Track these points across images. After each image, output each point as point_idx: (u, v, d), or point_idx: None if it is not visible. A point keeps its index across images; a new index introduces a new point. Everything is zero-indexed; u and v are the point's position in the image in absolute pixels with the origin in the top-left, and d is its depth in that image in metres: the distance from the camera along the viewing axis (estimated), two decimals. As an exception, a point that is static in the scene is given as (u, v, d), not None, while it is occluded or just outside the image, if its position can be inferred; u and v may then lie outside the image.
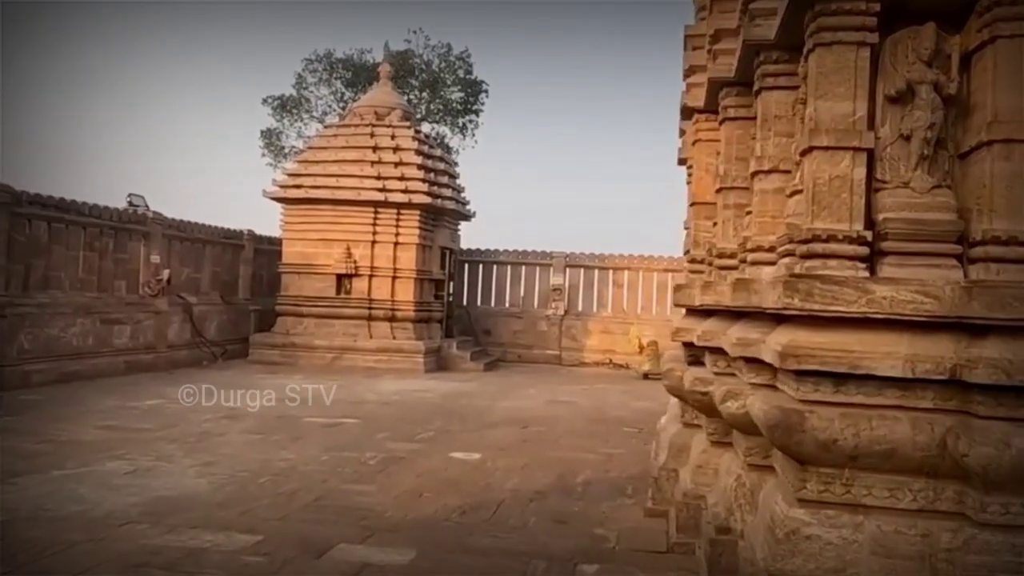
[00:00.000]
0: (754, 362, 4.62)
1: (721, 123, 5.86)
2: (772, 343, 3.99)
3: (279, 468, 7.58)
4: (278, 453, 8.30)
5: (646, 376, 17.99)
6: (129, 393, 12.22)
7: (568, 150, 59.16)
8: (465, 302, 22.16)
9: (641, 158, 60.98)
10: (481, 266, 22.55)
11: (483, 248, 22.59)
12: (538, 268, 22.12)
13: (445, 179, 19.28)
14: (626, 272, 21.56)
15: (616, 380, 17.57)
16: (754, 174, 5.00)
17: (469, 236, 21.20)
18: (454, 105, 29.68)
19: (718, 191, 5.86)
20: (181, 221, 17.46)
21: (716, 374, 5.60)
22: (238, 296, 19.66)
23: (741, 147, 5.63)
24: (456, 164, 21.43)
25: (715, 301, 5.50)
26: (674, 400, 8.58)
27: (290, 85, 29.18)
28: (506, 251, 22.43)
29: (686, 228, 8.74)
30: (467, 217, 20.44)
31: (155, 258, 16.20)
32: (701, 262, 6.53)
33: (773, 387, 4.41)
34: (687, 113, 6.74)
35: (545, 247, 22.25)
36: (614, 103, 60.69)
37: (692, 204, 6.70)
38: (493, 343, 21.48)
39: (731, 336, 4.93)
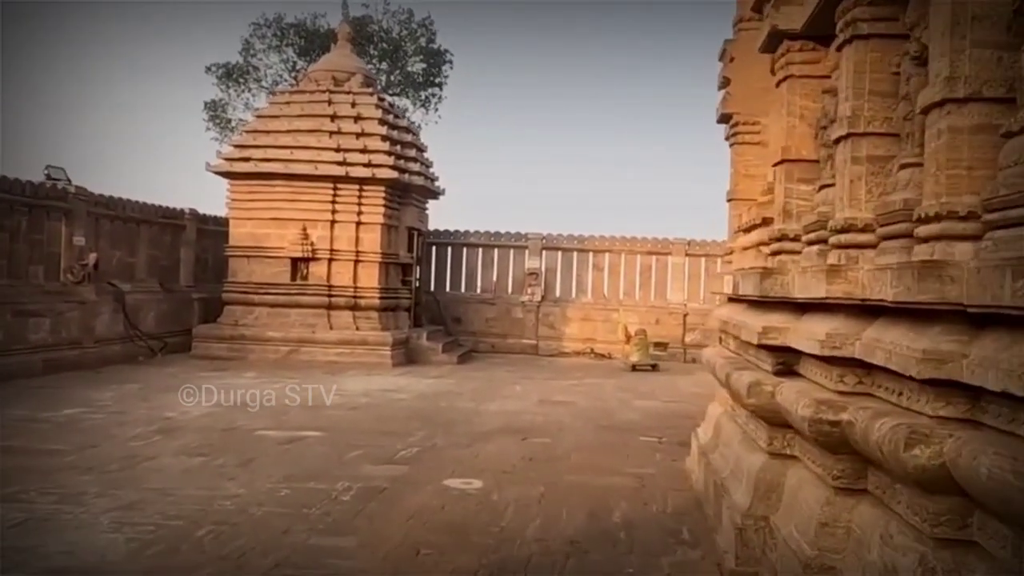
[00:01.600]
0: (953, 387, 3.04)
1: (840, 47, 4.23)
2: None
3: (224, 511, 5.77)
4: (223, 486, 6.48)
5: (634, 368, 16.52)
6: (44, 400, 10.17)
7: (543, 129, 57.31)
8: (433, 288, 20.35)
9: (623, 137, 59.50)
10: (450, 249, 20.75)
11: (452, 229, 20.77)
12: (512, 251, 20.42)
13: (412, 152, 17.39)
14: (607, 255, 20.01)
15: (604, 372, 16.03)
16: (929, 108, 3.38)
17: (435, 218, 19.36)
18: (416, 76, 27.65)
19: (836, 141, 4.24)
20: (110, 198, 15.26)
21: (842, 393, 4.02)
22: (179, 283, 17.54)
23: (880, 77, 4.01)
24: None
25: (847, 292, 3.89)
26: (716, 409, 7.03)
27: (236, 52, 26.81)
28: (477, 232, 20.66)
29: (729, 200, 7.16)
30: (436, 195, 18.58)
31: (79, 240, 14.01)
32: (794, 239, 4.92)
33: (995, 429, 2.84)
34: (771, 42, 5.09)
35: (520, 229, 20.55)
36: (593, 80, 58.86)
37: (778, 163, 5.07)
38: (464, 332, 19.75)
39: (900, 345, 3.32)
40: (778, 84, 5.05)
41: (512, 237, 20.43)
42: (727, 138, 7.28)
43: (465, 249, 20.70)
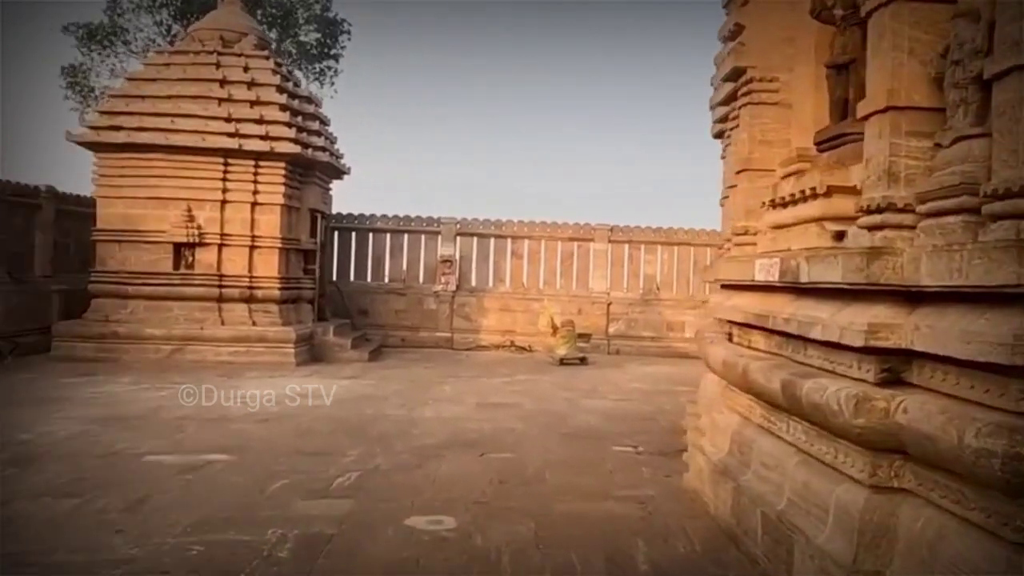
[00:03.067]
0: None
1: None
2: None
3: (115, 590, 4.12)
4: (108, 544, 4.78)
5: (562, 362, 15.45)
6: None
7: (453, 109, 55.05)
8: (336, 277, 18.51)
9: (534, 117, 58.10)
10: (354, 234, 18.94)
11: (356, 213, 18.97)
12: (424, 237, 18.87)
13: (315, 125, 15.51)
14: (527, 241, 18.82)
15: (531, 368, 14.85)
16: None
17: (337, 201, 17.53)
18: (309, 47, 25.42)
19: (1003, 74, 3.14)
20: (-57, 168, 12.53)
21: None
22: (34, 272, 14.92)
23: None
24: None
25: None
26: (730, 418, 5.92)
27: (101, 11, 23.64)
28: (385, 216, 18.96)
29: (740, 172, 6.07)
30: (341, 174, 16.77)
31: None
32: (905, 209, 3.80)
33: None
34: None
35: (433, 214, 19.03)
36: (511, 60, 57.18)
37: (876, 113, 3.93)
38: (371, 325, 18.06)
39: None
40: (871, 13, 3.92)
41: (424, 222, 18.88)
42: (737, 97, 6.19)
43: (372, 235, 18.95)
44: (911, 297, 3.73)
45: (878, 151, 3.89)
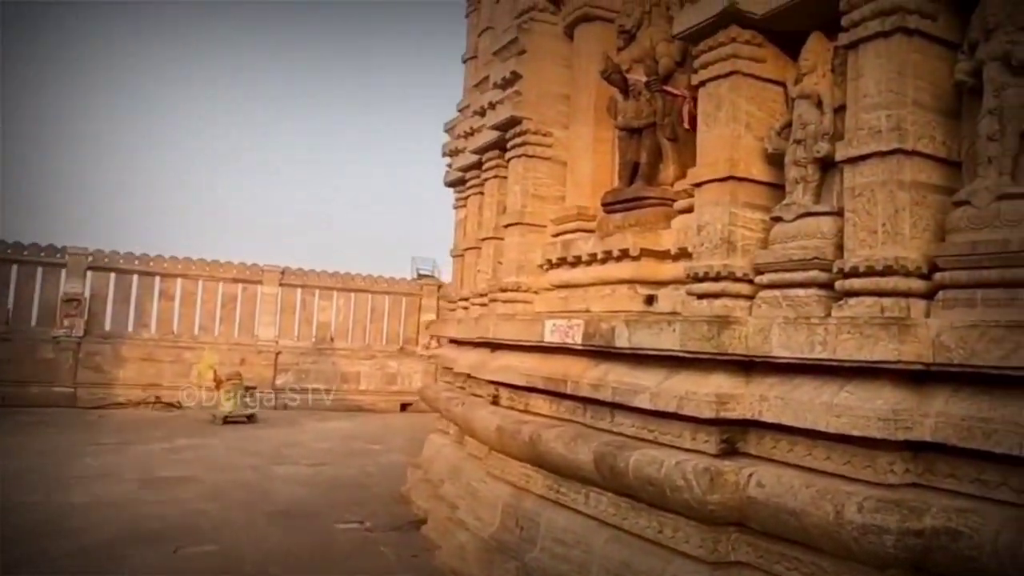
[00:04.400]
0: None
1: (855, 44, 3.30)
2: None
3: None
4: None
5: (227, 420, 13.63)
6: None
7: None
8: (-93, 315, 14.07)
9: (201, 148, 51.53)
10: (-63, 261, 14.69)
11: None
12: (41, 269, 15.40)
13: None
14: (180, 280, 16.46)
15: (191, 428, 12.77)
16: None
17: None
18: None
19: (858, 159, 3.29)
20: None
21: (891, 487, 3.02)
22: None
23: (924, 85, 3.20)
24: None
25: (919, 355, 2.92)
26: (500, 489, 5.47)
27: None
28: (-14, 241, 15.07)
29: (510, 225, 5.86)
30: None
31: None
32: (743, 279, 3.80)
33: None
34: (708, 26, 3.94)
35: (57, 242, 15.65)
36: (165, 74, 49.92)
37: (711, 182, 3.90)
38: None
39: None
40: (704, 83, 3.94)
41: (42, 251, 15.43)
42: (509, 148, 5.92)
43: (-38, 263, 14.89)
44: (747, 367, 3.73)
45: (715, 219, 3.88)
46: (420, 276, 19.39)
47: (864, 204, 3.28)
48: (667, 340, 3.91)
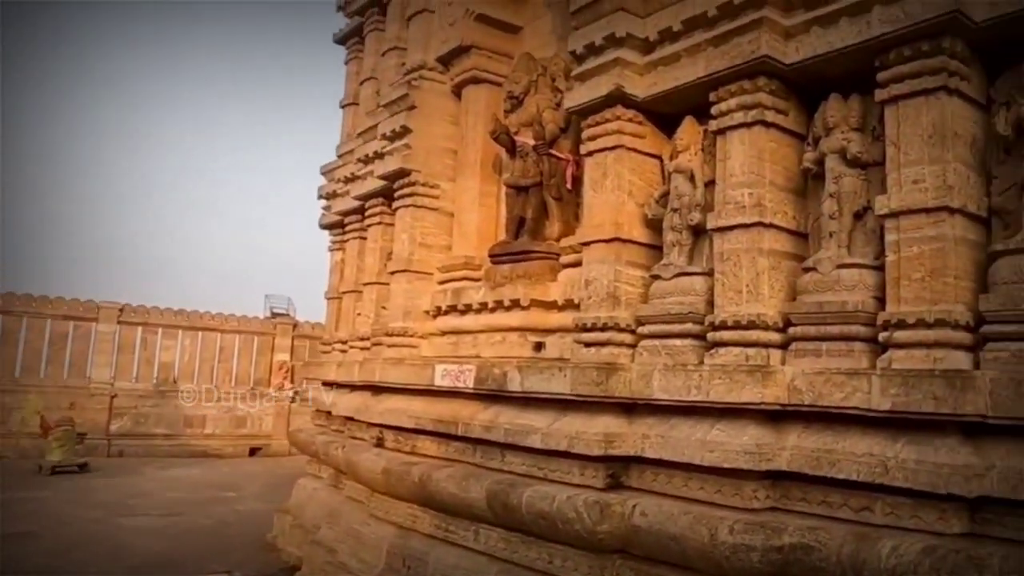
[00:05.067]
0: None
1: (724, 130, 3.89)
2: None
3: None
4: None
5: (55, 470, 12.52)
6: None
7: None
8: None
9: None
10: None
11: None
12: None
13: None
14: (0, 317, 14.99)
15: (13, 480, 11.59)
16: (902, 213, 3.31)
17: None
18: None
19: (725, 228, 3.85)
20: None
21: (754, 511, 3.52)
22: None
23: (779, 169, 3.83)
24: None
25: (777, 397, 3.47)
26: (381, 529, 5.57)
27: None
28: None
29: (396, 272, 6.08)
30: None
31: None
32: (626, 329, 4.24)
33: None
34: (600, 103, 4.40)
35: None
36: None
37: (599, 242, 4.35)
38: None
39: (896, 459, 3.06)
40: (592, 153, 4.40)
41: None
42: (398, 197, 6.11)
43: None
44: (630, 408, 4.16)
45: (601, 276, 4.32)
46: (274, 314, 18.81)
47: (731, 267, 3.83)
48: (558, 384, 4.28)
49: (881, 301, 3.42)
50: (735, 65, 3.76)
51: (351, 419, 6.37)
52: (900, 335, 3.26)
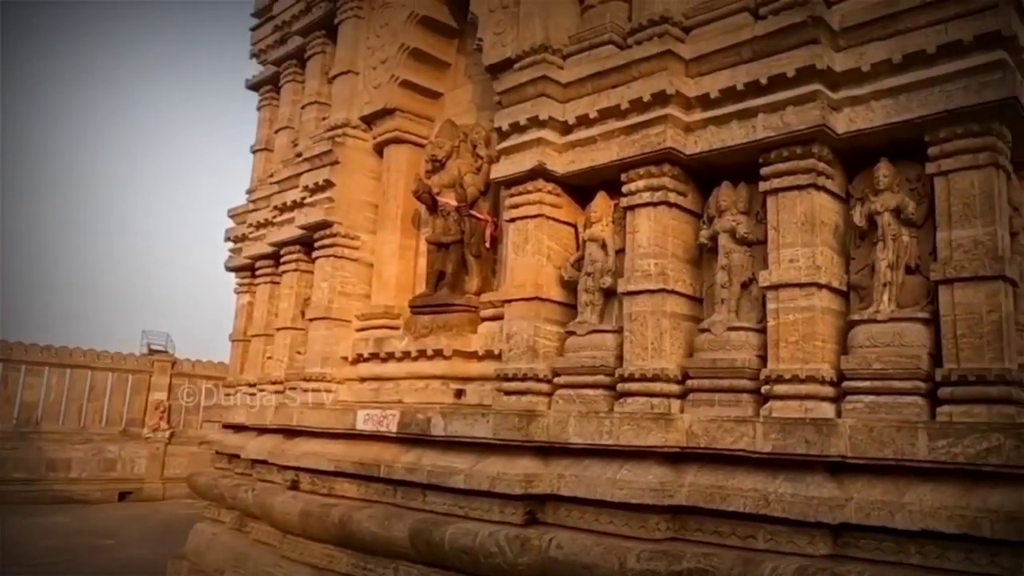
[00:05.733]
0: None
1: (635, 207, 4.49)
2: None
3: None
4: None
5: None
6: None
7: None
8: None
9: None
10: None
11: None
12: None
13: None
14: None
15: None
16: (781, 286, 3.99)
17: None
18: None
19: (633, 293, 4.41)
20: None
21: (655, 540, 4.03)
22: None
23: (679, 243, 4.46)
24: None
25: (678, 441, 4.02)
26: (298, 568, 5.69)
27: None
28: None
29: (315, 319, 6.31)
30: None
31: None
32: (544, 379, 4.69)
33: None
34: (524, 176, 4.90)
35: None
36: None
37: (519, 300, 4.81)
38: None
39: (799, 496, 3.67)
40: (514, 220, 4.88)
41: None
42: (318, 248, 6.31)
43: None
44: (547, 451, 4.60)
45: (522, 331, 4.78)
46: (152, 352, 18.00)
47: (638, 327, 4.39)
48: (481, 429, 4.67)
49: (763, 359, 4.05)
50: (644, 153, 4.37)
51: (262, 462, 6.44)
52: (779, 388, 3.89)
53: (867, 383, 3.74)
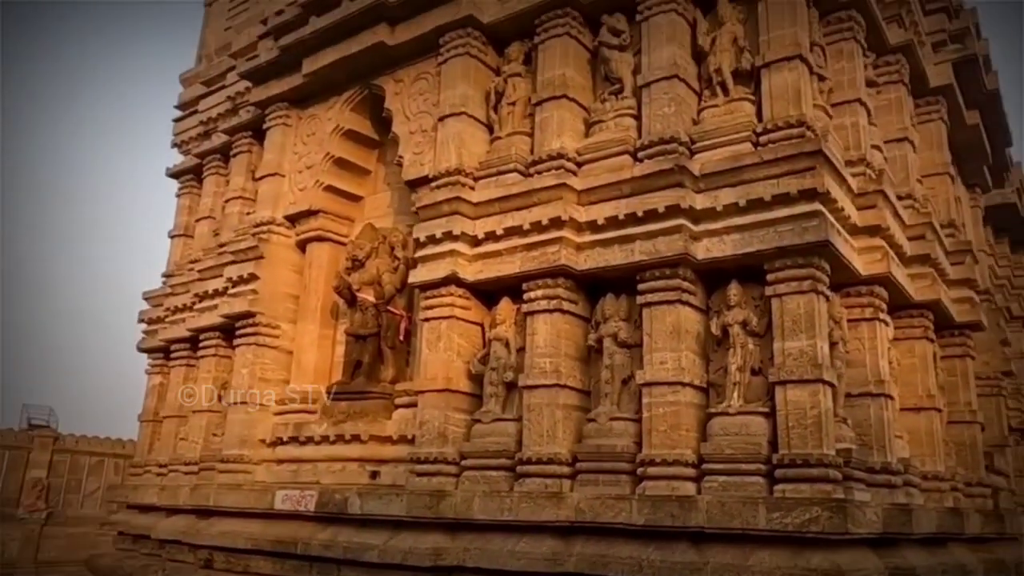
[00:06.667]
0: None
1: (534, 312, 5.25)
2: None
3: None
4: None
5: None
6: None
7: None
8: None
9: None
10: None
11: None
12: None
13: None
14: None
15: None
16: (653, 384, 4.81)
17: None
18: None
19: (530, 387, 5.12)
20: None
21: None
22: None
23: (572, 344, 5.24)
24: None
25: (568, 516, 4.69)
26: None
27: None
28: None
29: (235, 403, 6.68)
30: None
31: None
32: (451, 462, 5.28)
33: None
34: (438, 282, 5.58)
35: None
36: None
37: (430, 392, 5.42)
38: None
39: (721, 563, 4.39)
40: (428, 319, 5.52)
41: None
42: (240, 335, 6.69)
43: None
44: (454, 527, 5.15)
45: (433, 418, 5.38)
46: (32, 426, 17.15)
47: (535, 416, 5.09)
48: (396, 508, 5.19)
49: (639, 445, 4.82)
50: (542, 267, 5.17)
51: (174, 542, 6.62)
52: (651, 470, 4.65)
53: (721, 465, 4.55)
